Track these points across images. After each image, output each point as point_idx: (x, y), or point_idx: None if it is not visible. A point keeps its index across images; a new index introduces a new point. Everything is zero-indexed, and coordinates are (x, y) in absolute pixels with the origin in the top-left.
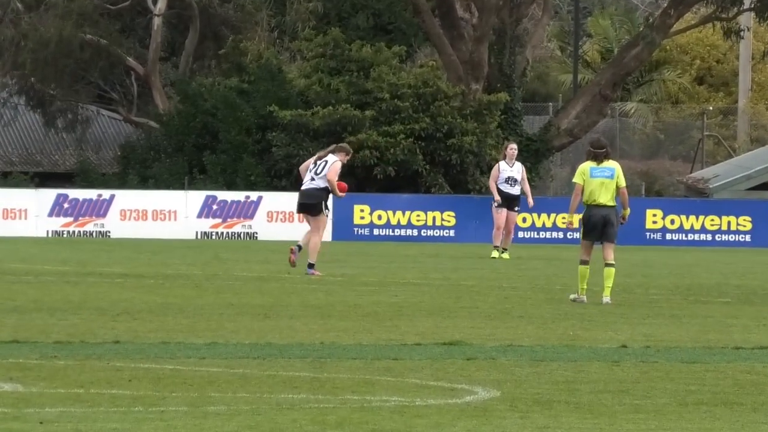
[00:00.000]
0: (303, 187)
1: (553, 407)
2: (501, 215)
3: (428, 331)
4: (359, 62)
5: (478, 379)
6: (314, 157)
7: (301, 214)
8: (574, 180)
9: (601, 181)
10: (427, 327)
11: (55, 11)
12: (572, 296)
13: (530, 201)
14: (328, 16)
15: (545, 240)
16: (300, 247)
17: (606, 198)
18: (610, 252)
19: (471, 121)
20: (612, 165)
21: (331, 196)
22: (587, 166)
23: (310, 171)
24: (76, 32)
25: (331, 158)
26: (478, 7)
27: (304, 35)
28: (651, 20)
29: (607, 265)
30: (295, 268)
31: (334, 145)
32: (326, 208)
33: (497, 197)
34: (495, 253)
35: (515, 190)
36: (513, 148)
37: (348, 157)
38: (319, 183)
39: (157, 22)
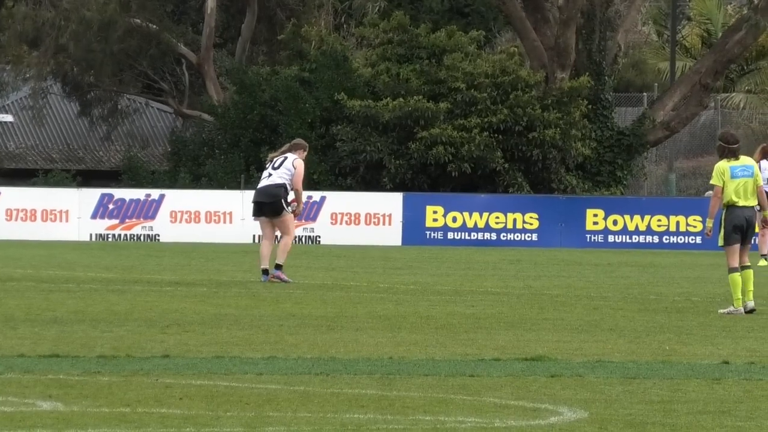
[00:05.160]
0: (259, 185)
1: (646, 430)
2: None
3: (508, 345)
4: (430, 49)
5: (563, 398)
6: (270, 157)
7: (259, 220)
8: (712, 182)
9: (741, 180)
10: (507, 341)
11: None
12: (724, 310)
13: None
14: None
15: (638, 245)
16: (266, 272)
17: (747, 199)
18: (745, 255)
19: (553, 111)
20: (749, 162)
21: (291, 194)
22: (726, 165)
23: (266, 168)
24: (121, 15)
25: (291, 156)
26: None
27: (369, 20)
28: (756, 1)
29: (744, 267)
30: (289, 283)
31: (288, 144)
32: (288, 205)
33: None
34: (762, 262)
35: None
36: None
37: (306, 153)
38: (277, 179)
39: (210, 4)
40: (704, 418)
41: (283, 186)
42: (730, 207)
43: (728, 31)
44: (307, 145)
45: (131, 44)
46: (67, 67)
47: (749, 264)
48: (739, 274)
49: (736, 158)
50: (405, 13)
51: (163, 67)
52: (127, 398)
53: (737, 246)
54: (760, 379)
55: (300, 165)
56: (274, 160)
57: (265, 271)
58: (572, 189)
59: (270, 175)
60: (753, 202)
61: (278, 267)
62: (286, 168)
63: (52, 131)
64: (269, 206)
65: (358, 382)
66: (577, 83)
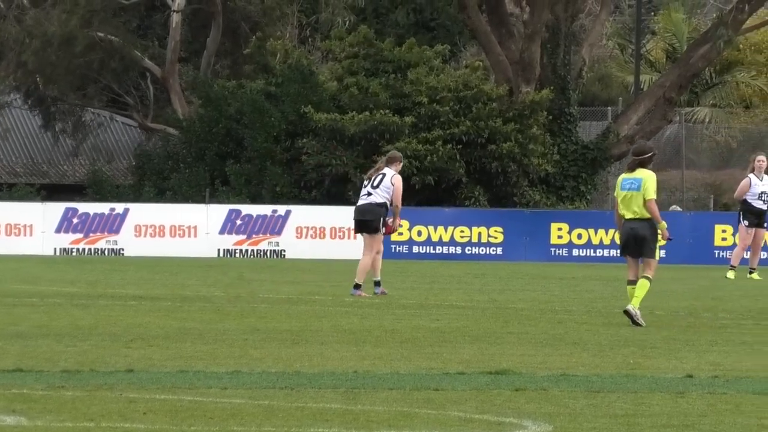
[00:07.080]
0: (359, 203)
1: None
2: (750, 234)
3: (473, 359)
4: (395, 63)
5: (527, 411)
6: (368, 174)
7: (362, 235)
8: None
9: (628, 193)
10: (472, 354)
11: (62, 6)
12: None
13: None
14: (364, 11)
15: (603, 258)
16: (379, 283)
17: (633, 212)
18: (647, 268)
19: (512, 124)
20: (640, 175)
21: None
22: (621, 177)
23: (365, 186)
24: (82, 29)
25: (389, 171)
26: (530, 2)
27: (335, 33)
28: (721, 16)
29: (642, 277)
30: (386, 294)
31: (384, 157)
32: (383, 225)
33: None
34: (731, 274)
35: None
36: (761, 160)
37: (401, 165)
38: (378, 198)
39: (175, 18)
40: (668, 431)
41: (383, 205)
42: (623, 220)
43: (693, 46)
44: (401, 155)
45: (94, 58)
46: (30, 82)
47: (647, 275)
48: (632, 287)
49: (631, 170)
50: (370, 26)
51: (127, 81)
52: (91, 413)
53: (630, 259)
54: (724, 393)
55: (398, 181)
56: (373, 178)
57: (378, 283)
58: (535, 203)
59: (369, 194)
60: (643, 215)
61: (377, 284)
62: (385, 186)
63: (16, 145)
64: (369, 224)
65: (323, 396)
66: (538, 96)
